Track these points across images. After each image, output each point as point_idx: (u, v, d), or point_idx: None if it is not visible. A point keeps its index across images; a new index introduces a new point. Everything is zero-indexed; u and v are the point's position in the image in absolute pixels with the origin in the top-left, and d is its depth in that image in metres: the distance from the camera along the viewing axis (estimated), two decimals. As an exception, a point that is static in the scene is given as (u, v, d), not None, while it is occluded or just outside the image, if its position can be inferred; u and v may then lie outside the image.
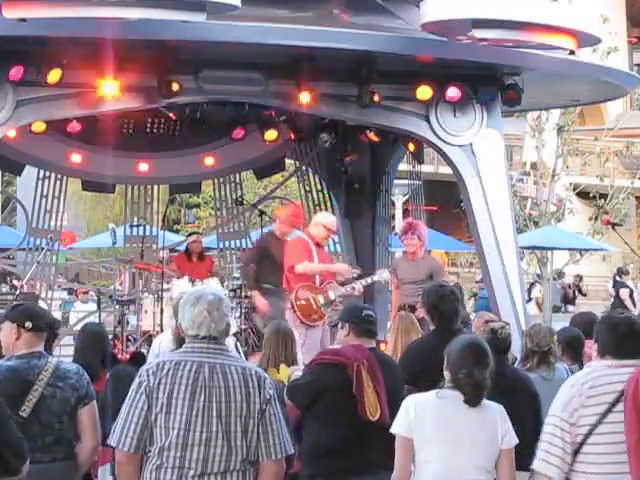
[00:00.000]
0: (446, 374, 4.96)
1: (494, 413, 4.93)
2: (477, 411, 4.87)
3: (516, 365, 7.20)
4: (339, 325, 6.06)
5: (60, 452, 5.28)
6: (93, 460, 5.54)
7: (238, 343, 9.38)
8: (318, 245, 10.80)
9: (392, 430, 4.91)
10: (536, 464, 4.64)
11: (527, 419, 6.53)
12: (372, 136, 13.64)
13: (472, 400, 4.85)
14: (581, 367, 7.10)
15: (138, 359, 9.18)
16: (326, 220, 11.14)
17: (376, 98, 11.36)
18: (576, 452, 4.55)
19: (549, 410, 4.74)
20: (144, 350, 11.68)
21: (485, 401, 4.93)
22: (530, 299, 24.53)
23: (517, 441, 4.96)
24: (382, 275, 11.25)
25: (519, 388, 6.48)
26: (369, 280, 11.15)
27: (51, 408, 5.24)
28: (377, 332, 6.07)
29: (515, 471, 4.98)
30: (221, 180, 15.34)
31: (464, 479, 4.82)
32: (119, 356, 10.98)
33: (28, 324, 5.32)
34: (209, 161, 14.79)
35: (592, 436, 4.52)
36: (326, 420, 5.70)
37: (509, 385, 6.40)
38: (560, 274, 25.39)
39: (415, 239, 11.31)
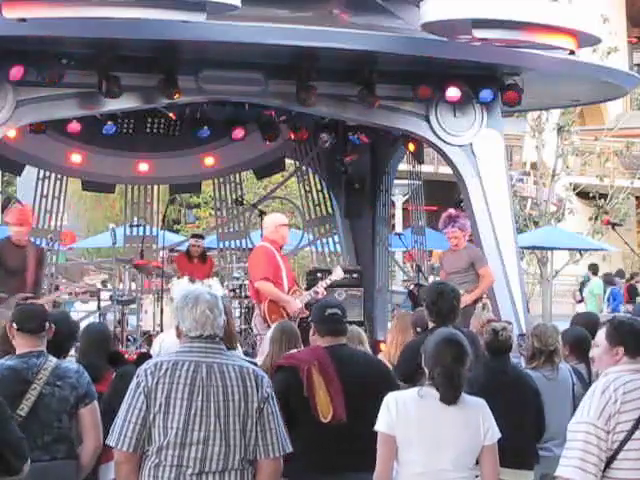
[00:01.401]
0: (426, 371, 4.89)
1: (476, 409, 4.87)
2: (458, 408, 4.80)
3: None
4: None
5: (60, 451, 5.28)
6: (93, 461, 5.49)
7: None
8: (280, 248, 10.87)
9: (375, 428, 4.87)
10: (570, 473, 4.42)
11: (528, 417, 6.53)
12: (363, 138, 13.68)
13: (447, 399, 4.79)
14: (587, 367, 7.13)
15: (145, 360, 9.13)
16: (279, 220, 11.08)
17: (376, 98, 11.37)
18: (611, 459, 4.46)
19: (575, 417, 4.52)
20: (144, 350, 11.68)
21: (466, 396, 4.86)
22: (582, 299, 24.37)
23: (499, 435, 4.88)
24: (337, 273, 11.29)
25: (520, 386, 6.47)
26: (328, 281, 11.20)
27: (50, 407, 5.25)
28: (344, 330, 5.87)
29: (499, 467, 4.94)
30: (221, 180, 15.34)
31: (446, 478, 4.79)
32: (126, 356, 10.96)
33: (20, 325, 5.38)
34: (209, 161, 14.79)
35: (629, 442, 4.44)
36: (287, 423, 5.66)
37: (510, 383, 6.40)
38: (619, 273, 25.07)
39: (456, 230, 11.26)
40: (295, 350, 6.95)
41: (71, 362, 5.50)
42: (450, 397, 4.79)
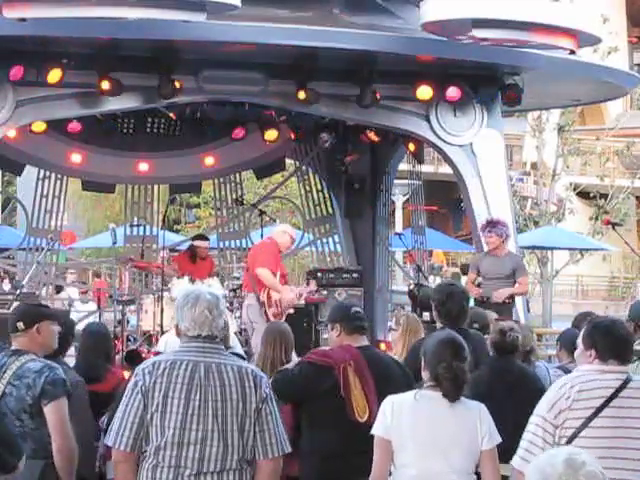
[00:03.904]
0: (424, 374, 4.87)
1: (473, 413, 4.83)
2: (456, 412, 4.78)
3: None
4: (329, 327, 6.01)
5: (25, 449, 5.21)
6: (69, 461, 5.31)
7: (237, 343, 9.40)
8: (279, 253, 11.19)
9: (372, 431, 4.86)
10: (515, 461, 4.54)
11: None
12: (372, 136, 13.64)
13: (451, 394, 4.77)
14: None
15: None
16: (290, 230, 11.54)
17: (376, 98, 11.37)
18: None
19: (535, 409, 4.65)
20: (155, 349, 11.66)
21: (464, 400, 4.83)
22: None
23: (500, 440, 4.86)
24: (311, 287, 11.77)
25: (526, 385, 6.47)
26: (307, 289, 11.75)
27: (8, 406, 5.21)
28: (367, 328, 6.00)
29: (499, 470, 4.92)
30: (221, 180, 15.34)
31: None
32: (142, 355, 10.97)
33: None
34: (209, 161, 14.79)
35: (577, 439, 4.47)
36: (317, 423, 5.67)
37: (516, 382, 6.39)
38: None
39: (493, 236, 11.21)
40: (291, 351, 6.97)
41: (37, 362, 5.35)
42: (454, 393, 4.77)
